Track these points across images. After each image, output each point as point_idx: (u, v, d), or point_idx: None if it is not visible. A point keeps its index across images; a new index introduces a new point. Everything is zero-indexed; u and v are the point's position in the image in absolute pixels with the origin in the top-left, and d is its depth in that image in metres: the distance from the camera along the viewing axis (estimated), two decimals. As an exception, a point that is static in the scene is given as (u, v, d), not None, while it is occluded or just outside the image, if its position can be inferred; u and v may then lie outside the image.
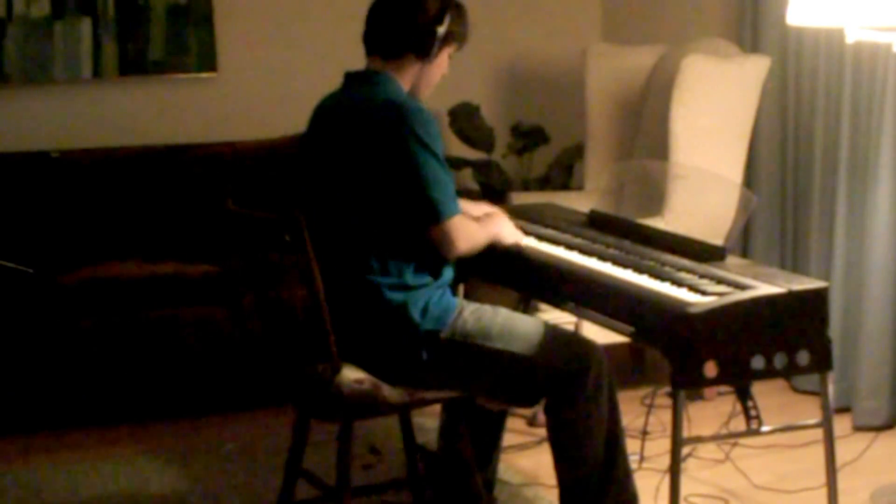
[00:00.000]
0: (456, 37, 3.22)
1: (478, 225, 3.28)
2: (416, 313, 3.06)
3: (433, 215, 3.04)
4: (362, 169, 3.06)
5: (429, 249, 3.11)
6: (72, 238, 4.83)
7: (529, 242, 3.46)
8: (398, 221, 3.07)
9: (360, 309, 3.09)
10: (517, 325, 3.13)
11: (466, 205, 3.44)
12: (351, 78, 3.25)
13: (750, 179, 4.72)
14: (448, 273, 3.18)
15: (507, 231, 3.39)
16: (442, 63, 3.24)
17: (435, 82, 3.27)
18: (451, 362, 3.08)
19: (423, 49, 3.16)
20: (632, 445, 3.26)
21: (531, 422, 4.28)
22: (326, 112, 3.25)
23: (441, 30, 3.15)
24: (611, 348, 3.39)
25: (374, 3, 3.23)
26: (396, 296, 3.06)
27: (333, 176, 3.13)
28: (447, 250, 3.09)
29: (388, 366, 3.07)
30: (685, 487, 3.19)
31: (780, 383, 4.60)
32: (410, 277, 3.08)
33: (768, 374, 2.99)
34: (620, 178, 4.02)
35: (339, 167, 3.12)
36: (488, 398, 3.26)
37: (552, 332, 3.15)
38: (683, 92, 4.41)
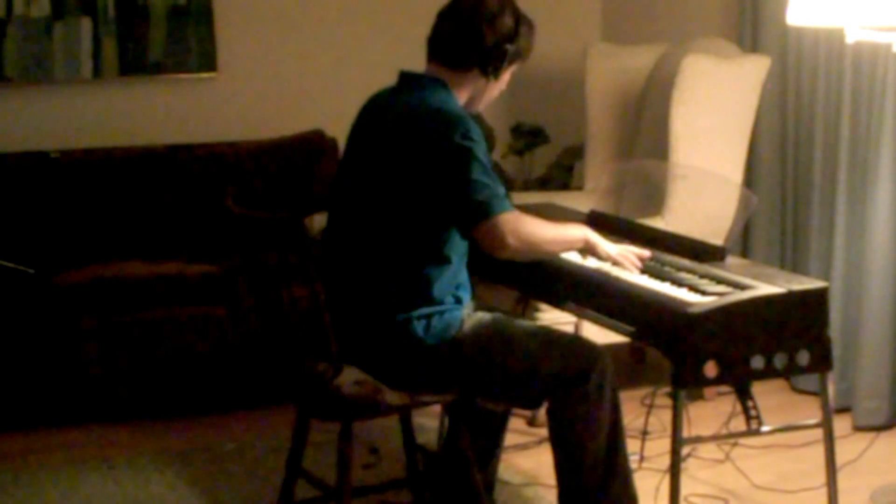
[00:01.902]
0: (523, 54, 3.13)
1: (543, 221, 3.12)
2: (418, 329, 3.03)
3: (478, 214, 2.93)
4: (400, 177, 3.00)
5: (450, 272, 3.07)
6: (72, 238, 4.83)
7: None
8: (426, 237, 3.02)
9: (364, 317, 3.08)
10: (517, 336, 3.10)
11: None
12: (405, 79, 3.14)
13: (750, 179, 4.71)
14: (465, 297, 3.15)
15: (605, 245, 3.16)
16: (505, 79, 3.15)
17: (493, 97, 3.18)
18: (452, 376, 3.07)
19: (492, 68, 3.07)
20: (632, 445, 3.26)
21: (531, 422, 4.28)
22: (375, 112, 3.16)
23: (512, 48, 3.06)
24: (611, 348, 3.39)
25: (445, 8, 3.12)
26: (402, 311, 3.03)
27: (368, 179, 3.07)
28: (497, 247, 2.96)
29: (388, 375, 3.06)
30: (685, 487, 3.19)
31: (780, 383, 4.60)
32: (423, 297, 3.03)
33: (768, 374, 3.00)
34: (620, 178, 4.03)
35: (376, 172, 3.06)
36: (490, 402, 3.26)
37: (553, 338, 3.14)
38: (683, 92, 4.41)
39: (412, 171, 2.99)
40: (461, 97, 3.12)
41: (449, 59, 3.09)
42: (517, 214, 2.99)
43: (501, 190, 2.98)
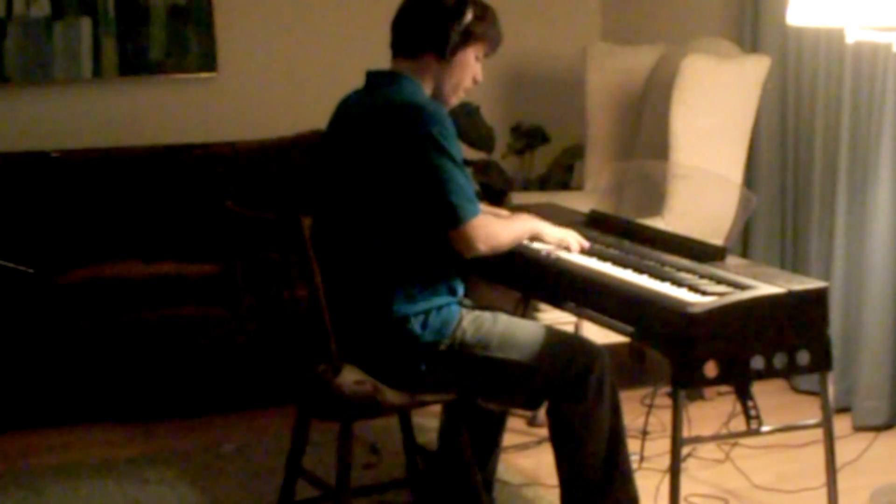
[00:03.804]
0: (479, 37, 3.14)
1: (503, 222, 3.22)
2: (416, 325, 3.04)
3: (452, 219, 2.99)
4: (377, 173, 3.03)
5: (440, 263, 3.09)
6: (72, 238, 4.83)
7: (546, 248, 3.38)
8: (410, 231, 3.04)
9: (361, 316, 3.09)
10: (516, 333, 3.11)
11: (490, 210, 3.44)
12: (372, 78, 3.20)
13: (750, 179, 4.71)
14: (458, 288, 3.16)
15: (550, 230, 3.34)
16: (466, 64, 3.15)
17: (462, 86, 3.18)
18: (451, 373, 3.07)
19: (440, 47, 3.09)
20: (632, 445, 3.26)
21: (531, 422, 4.28)
22: (346, 112, 3.21)
23: (458, 26, 3.09)
24: (611, 348, 3.39)
25: (399, 6, 3.19)
26: (399, 307, 3.04)
27: (348, 179, 3.10)
28: (467, 251, 3.05)
29: (387, 373, 3.06)
30: (685, 487, 3.19)
31: (780, 383, 4.60)
32: (417, 291, 3.05)
33: (768, 374, 3.00)
34: (620, 178, 4.02)
35: (354, 171, 3.09)
36: (489, 402, 3.26)
37: (553, 336, 3.14)
38: (683, 92, 4.41)
39: (386, 168, 3.02)
40: (427, 87, 3.14)
41: (405, 48, 3.15)
42: (485, 220, 3.05)
43: (471, 190, 3.02)
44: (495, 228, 3.10)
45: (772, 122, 4.75)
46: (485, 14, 3.16)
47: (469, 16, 3.10)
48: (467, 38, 3.12)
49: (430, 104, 3.05)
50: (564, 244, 3.35)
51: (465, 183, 3.01)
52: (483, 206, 3.42)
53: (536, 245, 3.38)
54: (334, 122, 3.23)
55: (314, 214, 3.20)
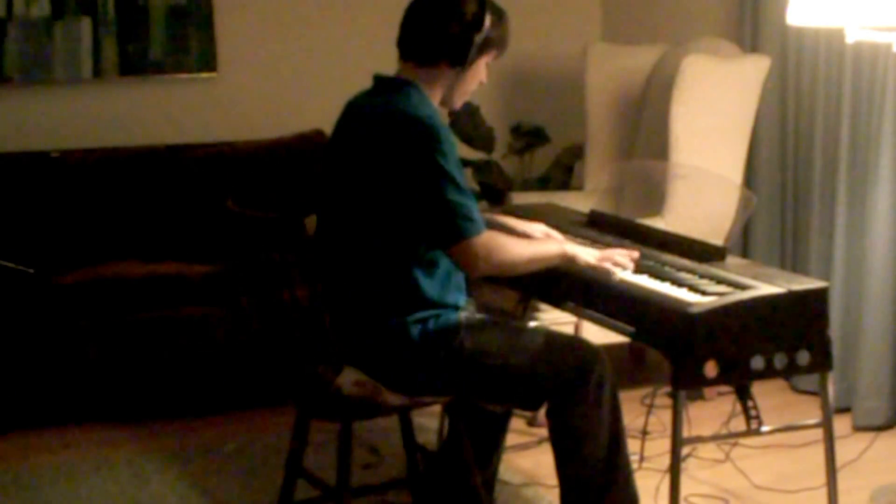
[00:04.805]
0: (494, 43, 3.09)
1: (519, 242, 3.14)
2: (415, 333, 3.02)
3: (450, 238, 2.95)
4: (378, 182, 3.00)
5: (440, 272, 3.07)
6: (72, 238, 4.83)
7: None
8: (410, 243, 3.02)
9: (361, 319, 3.08)
10: (515, 339, 3.09)
11: (518, 223, 3.39)
12: (380, 83, 3.13)
13: (750, 179, 4.71)
14: (459, 297, 3.15)
15: (584, 254, 3.12)
16: (478, 71, 3.11)
17: (471, 91, 3.15)
18: (450, 380, 3.06)
19: (459, 57, 3.03)
20: (632, 445, 3.26)
21: (531, 422, 4.28)
22: (352, 115, 3.16)
23: (478, 37, 3.03)
24: (611, 348, 3.39)
25: (408, 7, 3.11)
26: (398, 314, 3.02)
27: (351, 183, 3.07)
28: (467, 270, 3.02)
29: (386, 377, 3.05)
30: (685, 487, 3.19)
31: (780, 383, 4.60)
32: (416, 298, 3.03)
33: (768, 374, 3.00)
34: (620, 178, 4.03)
35: (357, 176, 3.05)
36: (489, 403, 3.26)
37: (552, 339, 3.13)
38: (683, 92, 4.41)
39: (387, 181, 2.98)
40: (435, 95, 3.09)
41: (417, 55, 3.07)
42: (490, 238, 2.98)
43: (474, 208, 2.97)
44: (501, 247, 3.01)
45: (772, 122, 4.75)
46: (500, 19, 3.11)
47: (487, 24, 3.04)
48: (484, 46, 3.07)
49: (432, 119, 2.99)
50: (602, 268, 3.14)
51: (466, 200, 2.95)
52: (507, 221, 3.39)
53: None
54: (340, 124, 3.19)
55: (317, 214, 3.20)
